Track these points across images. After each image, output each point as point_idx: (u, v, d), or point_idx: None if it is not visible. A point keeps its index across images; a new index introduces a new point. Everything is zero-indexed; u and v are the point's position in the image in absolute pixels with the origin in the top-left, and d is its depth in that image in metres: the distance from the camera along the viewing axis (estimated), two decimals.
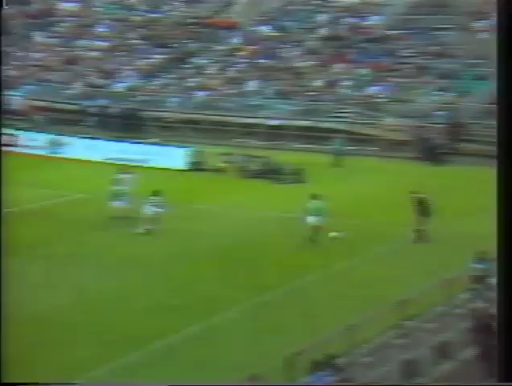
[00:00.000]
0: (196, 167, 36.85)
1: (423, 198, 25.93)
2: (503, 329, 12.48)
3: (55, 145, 39.64)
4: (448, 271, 19.53)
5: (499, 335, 12.54)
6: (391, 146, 39.60)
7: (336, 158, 37.49)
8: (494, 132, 48.94)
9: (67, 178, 34.04)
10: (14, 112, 42.52)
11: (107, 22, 52.90)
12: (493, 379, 16.34)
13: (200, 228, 26.99)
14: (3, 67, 43.49)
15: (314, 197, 25.82)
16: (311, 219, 25.32)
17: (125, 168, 30.72)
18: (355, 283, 21.95)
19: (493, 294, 18.80)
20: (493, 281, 19.67)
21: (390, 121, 41.07)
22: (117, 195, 27.79)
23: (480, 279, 19.55)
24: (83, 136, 40.39)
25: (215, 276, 22.55)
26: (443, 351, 17.20)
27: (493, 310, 17.64)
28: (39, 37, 51.62)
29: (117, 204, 27.59)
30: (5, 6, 48.06)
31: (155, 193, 26.74)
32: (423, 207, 25.73)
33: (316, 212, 25.28)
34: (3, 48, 44.33)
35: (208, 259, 24.07)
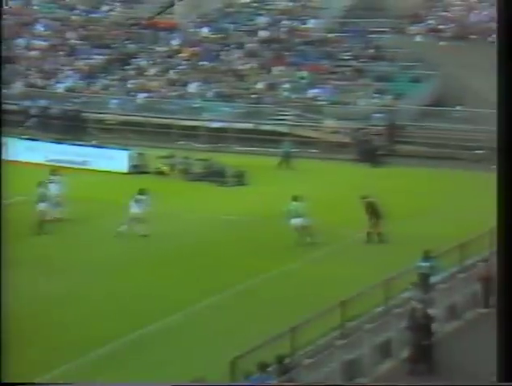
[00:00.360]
0: (138, 170, 36.87)
1: (372, 201, 26.52)
2: (503, 328, 12.55)
3: None
4: (397, 270, 20.02)
5: (499, 335, 12.60)
6: (331, 148, 40.17)
7: (285, 160, 37.95)
8: (429, 133, 48.93)
9: (7, 180, 33.69)
10: None
11: (45, 21, 52.53)
12: (431, 377, 16.94)
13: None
14: None
15: (294, 199, 26.16)
16: (294, 221, 25.73)
17: (57, 170, 30.77)
18: (305, 284, 22.25)
19: (433, 294, 19.44)
20: (434, 279, 20.33)
21: (329, 123, 41.65)
22: (44, 198, 27.80)
23: (423, 278, 20.13)
24: (23, 137, 40.11)
25: (165, 279, 22.78)
26: (384, 351, 17.74)
27: (431, 310, 18.30)
28: None
29: (42, 206, 27.57)
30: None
31: (141, 192, 27.02)
32: (373, 210, 26.32)
33: (298, 214, 25.69)
34: None
35: (157, 262, 24.27)
